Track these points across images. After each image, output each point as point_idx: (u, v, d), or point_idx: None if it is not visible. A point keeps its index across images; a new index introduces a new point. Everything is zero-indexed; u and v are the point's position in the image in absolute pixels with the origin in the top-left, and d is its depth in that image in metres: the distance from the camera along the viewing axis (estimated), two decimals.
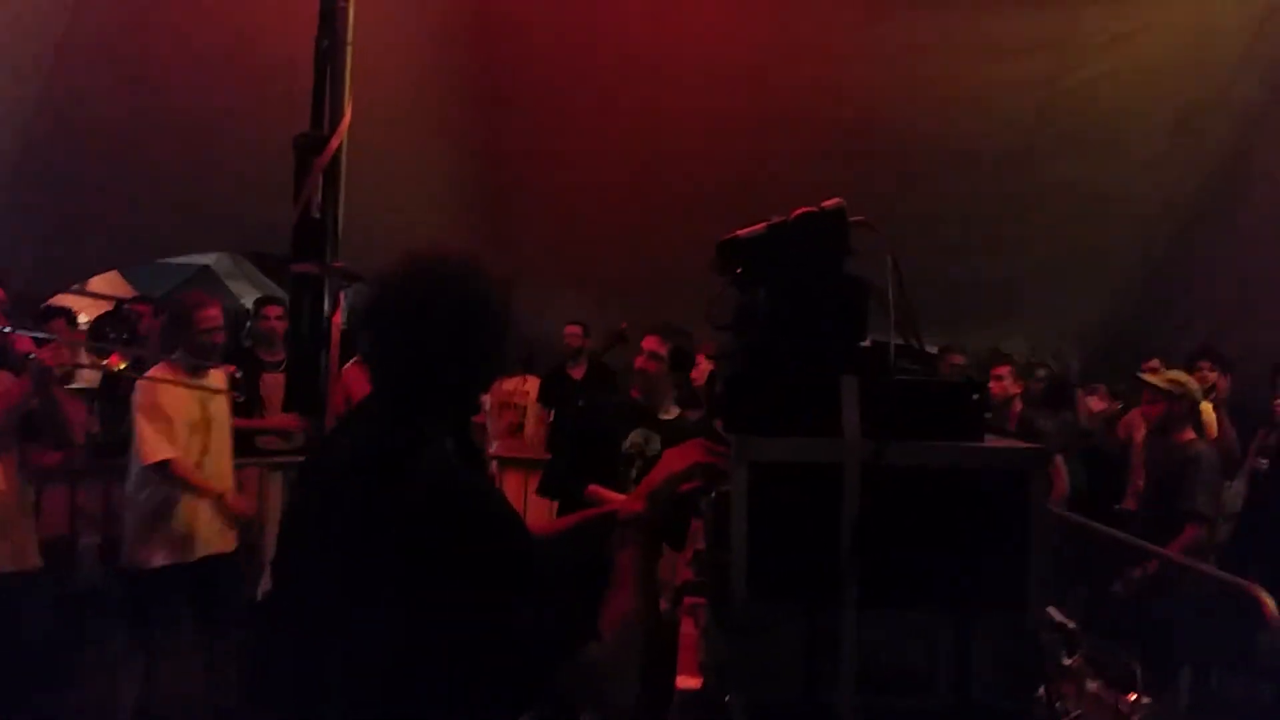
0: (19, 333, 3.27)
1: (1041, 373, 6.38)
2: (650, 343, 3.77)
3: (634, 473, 3.55)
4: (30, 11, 5.15)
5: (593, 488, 3.55)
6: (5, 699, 3.30)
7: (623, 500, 1.78)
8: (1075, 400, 6.48)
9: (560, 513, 3.51)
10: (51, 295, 7.22)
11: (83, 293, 8.39)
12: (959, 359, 5.91)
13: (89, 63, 5.43)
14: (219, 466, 4.02)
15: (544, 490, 4.16)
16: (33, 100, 5.55)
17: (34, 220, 6.27)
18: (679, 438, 3.62)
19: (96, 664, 4.79)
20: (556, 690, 1.36)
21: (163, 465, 3.81)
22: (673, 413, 3.86)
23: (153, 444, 3.81)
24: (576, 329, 6.72)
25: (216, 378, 4.02)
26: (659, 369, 3.75)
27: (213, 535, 3.96)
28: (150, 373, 3.94)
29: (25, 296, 5.91)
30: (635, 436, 3.68)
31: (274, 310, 5.40)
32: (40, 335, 3.37)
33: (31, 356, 3.19)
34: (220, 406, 4.01)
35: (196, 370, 3.91)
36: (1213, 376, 5.42)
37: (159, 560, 3.84)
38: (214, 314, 3.88)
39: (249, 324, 5.82)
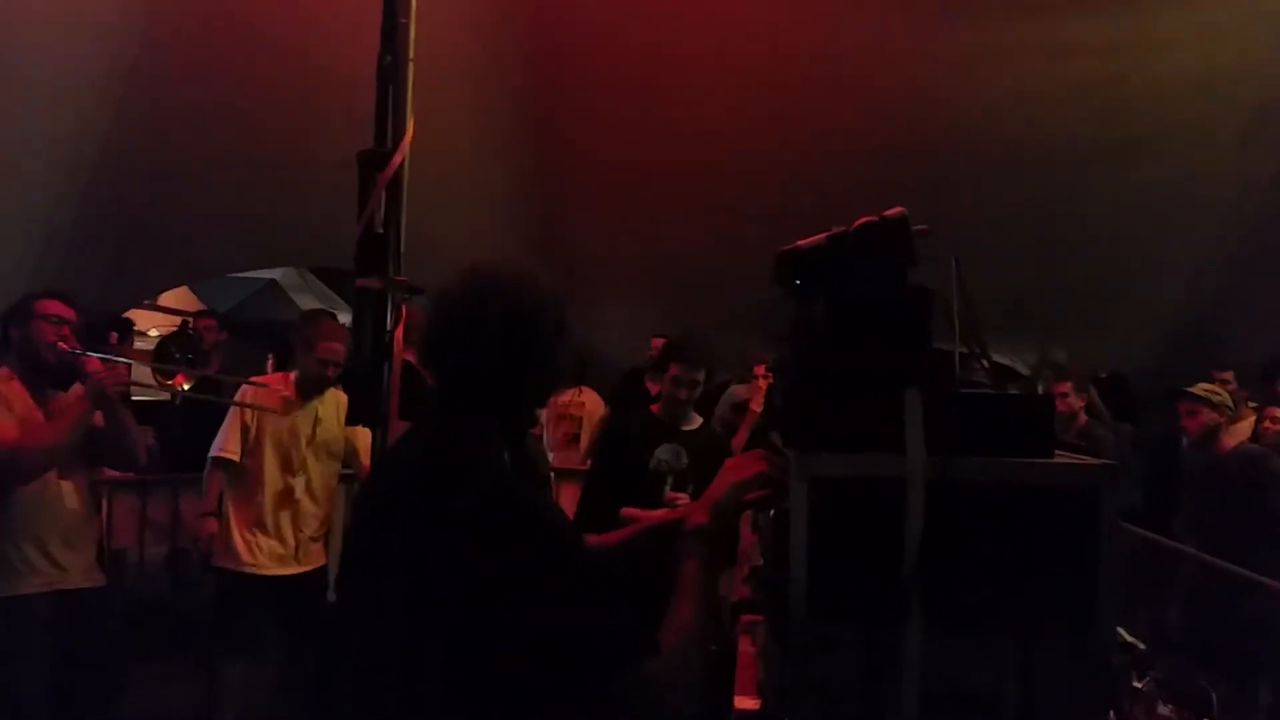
0: (89, 354, 3.33)
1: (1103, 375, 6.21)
2: (676, 370, 3.69)
3: (667, 488, 3.49)
4: (106, 33, 5.33)
5: (626, 511, 3.49)
6: (81, 713, 3.37)
7: (686, 510, 1.76)
8: (1136, 411, 6.31)
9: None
10: (123, 310, 7.46)
11: (153, 307, 8.64)
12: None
13: (159, 84, 5.60)
14: (320, 486, 4.07)
15: (579, 520, 4.10)
16: (107, 119, 5.74)
17: (107, 236, 6.48)
18: (705, 447, 3.62)
19: (162, 674, 4.92)
20: (616, 703, 1.34)
21: (220, 460, 3.92)
22: (695, 422, 3.78)
23: (223, 438, 3.95)
24: (660, 341, 6.72)
25: (330, 400, 4.06)
26: (689, 396, 3.71)
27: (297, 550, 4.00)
28: (263, 378, 4.08)
29: (97, 311, 6.11)
30: (662, 453, 3.61)
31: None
32: (110, 357, 3.45)
33: (89, 377, 3.25)
34: (327, 430, 4.05)
35: (306, 390, 3.99)
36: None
37: (247, 566, 3.93)
38: (337, 348, 3.94)
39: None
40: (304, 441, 3.99)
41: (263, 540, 3.94)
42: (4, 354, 3.37)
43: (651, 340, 6.72)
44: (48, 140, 5.65)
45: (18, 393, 3.27)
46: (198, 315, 7.43)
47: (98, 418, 3.32)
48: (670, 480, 3.53)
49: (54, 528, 3.26)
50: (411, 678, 1.41)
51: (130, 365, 4.00)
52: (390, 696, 1.45)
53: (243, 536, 3.93)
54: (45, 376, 3.34)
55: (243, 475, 3.98)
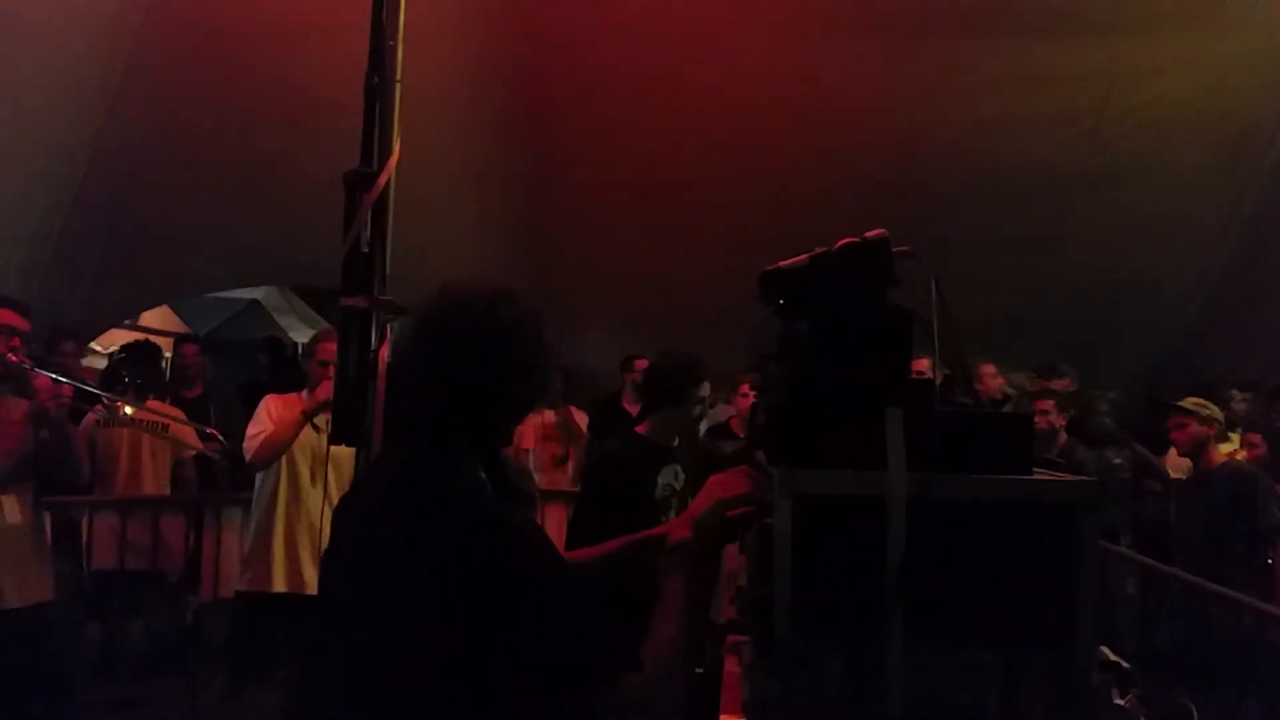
0: (38, 370, 3.28)
1: (1105, 406, 6.23)
2: (705, 388, 3.61)
3: (672, 513, 3.40)
4: (94, 51, 5.33)
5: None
6: None
7: (668, 526, 1.76)
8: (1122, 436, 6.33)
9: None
10: (104, 330, 7.42)
11: (134, 327, 8.59)
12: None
13: (146, 102, 5.61)
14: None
15: (570, 547, 4.03)
16: (93, 137, 5.74)
17: (91, 253, 6.46)
18: (698, 460, 3.57)
19: (141, 697, 4.88)
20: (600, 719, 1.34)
21: (254, 449, 3.91)
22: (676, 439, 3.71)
23: (249, 437, 3.94)
24: (645, 363, 6.71)
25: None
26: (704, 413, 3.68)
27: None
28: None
29: (81, 331, 6.08)
30: (664, 477, 3.52)
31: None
32: (58, 376, 3.40)
33: (34, 396, 3.20)
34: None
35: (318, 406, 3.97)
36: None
37: (259, 586, 3.92)
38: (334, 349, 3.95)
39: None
40: (320, 456, 3.95)
41: (286, 556, 3.93)
42: None
43: (634, 361, 6.72)
44: (33, 158, 5.64)
45: None
46: (179, 339, 7.40)
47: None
48: (675, 505, 3.46)
49: None
50: (392, 698, 1.41)
51: (74, 385, 3.92)
52: (370, 714, 1.44)
53: (264, 554, 3.92)
54: None
55: (266, 488, 3.98)
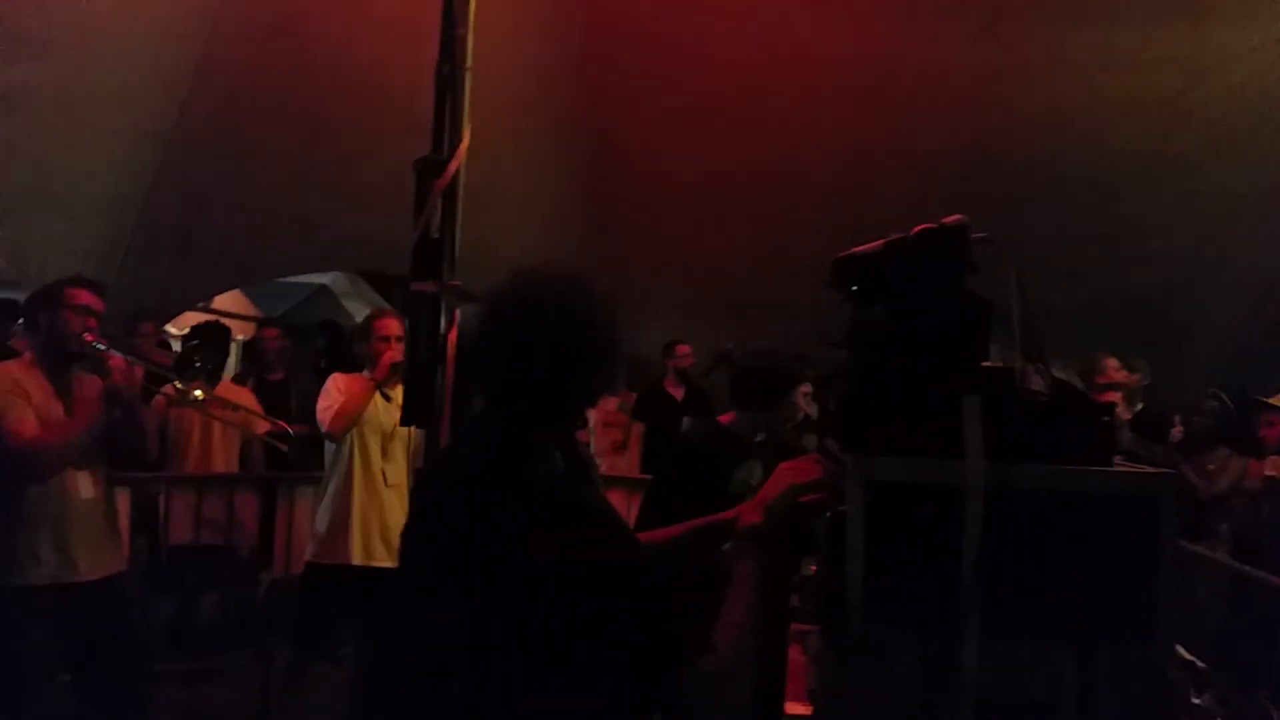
0: (112, 351, 3.35)
1: (1213, 404, 6.01)
2: (809, 387, 3.56)
3: None
4: (170, 41, 5.47)
5: None
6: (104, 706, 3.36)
7: (737, 511, 1.76)
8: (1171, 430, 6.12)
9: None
10: (179, 312, 7.64)
11: (208, 310, 8.82)
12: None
13: (220, 90, 5.74)
14: (398, 479, 4.14)
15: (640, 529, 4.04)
16: (169, 124, 5.90)
17: (167, 239, 6.64)
18: (777, 458, 3.53)
19: (213, 670, 5.03)
20: (670, 702, 1.35)
21: (328, 420, 4.01)
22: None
23: (321, 410, 4.05)
24: (688, 348, 6.74)
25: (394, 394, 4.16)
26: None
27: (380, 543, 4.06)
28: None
29: (156, 311, 6.27)
30: (741, 473, 3.47)
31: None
32: (132, 357, 3.49)
33: (109, 375, 3.26)
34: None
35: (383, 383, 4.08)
36: None
37: (330, 559, 4.01)
38: (391, 324, 4.08)
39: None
40: (389, 431, 4.08)
41: (359, 529, 4.01)
42: (30, 336, 3.38)
43: (674, 347, 6.73)
44: (112, 144, 5.81)
45: (37, 381, 3.26)
46: (261, 323, 7.59)
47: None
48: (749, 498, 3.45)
49: (66, 519, 3.23)
50: (468, 675, 1.43)
51: (147, 366, 4.01)
52: (446, 696, 1.46)
53: (336, 527, 4.02)
54: (67, 365, 3.33)
55: (339, 461, 4.08)
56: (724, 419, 3.66)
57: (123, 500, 4.66)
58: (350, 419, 3.99)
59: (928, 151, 5.68)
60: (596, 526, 1.42)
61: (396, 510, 4.07)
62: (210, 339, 5.73)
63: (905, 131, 5.68)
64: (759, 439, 3.57)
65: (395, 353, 4.01)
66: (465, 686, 1.43)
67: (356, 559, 3.99)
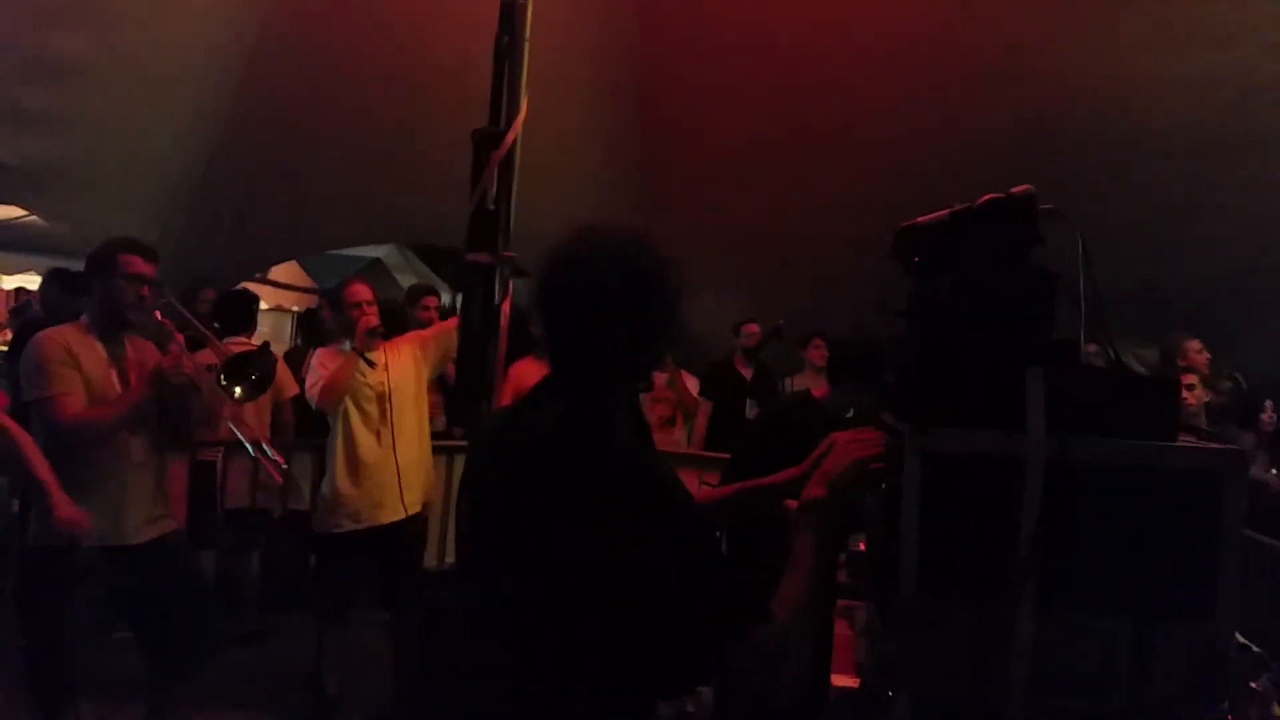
0: (163, 319, 3.36)
1: (1228, 384, 5.93)
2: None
3: None
4: (230, 15, 5.54)
5: (790, 504, 3.33)
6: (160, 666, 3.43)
7: (780, 476, 1.74)
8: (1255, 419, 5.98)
9: (748, 531, 3.28)
10: (236, 282, 7.78)
11: (265, 281, 8.97)
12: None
13: (279, 64, 5.81)
14: (403, 439, 4.17)
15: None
16: (229, 98, 5.98)
17: (224, 211, 6.76)
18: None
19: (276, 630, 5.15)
20: (729, 668, 1.35)
21: (317, 396, 4.08)
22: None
23: (309, 387, 4.13)
24: (756, 327, 6.71)
25: (406, 352, 4.22)
26: None
27: (394, 501, 4.12)
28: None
29: (216, 281, 6.39)
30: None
31: (432, 301, 5.52)
32: (197, 329, 3.54)
33: (160, 360, 3.27)
34: (400, 379, 4.17)
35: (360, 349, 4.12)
36: None
37: (342, 525, 4.08)
38: (361, 289, 4.13)
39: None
40: (384, 393, 4.11)
41: (361, 489, 4.08)
42: (86, 300, 3.39)
43: (743, 326, 6.70)
44: (173, 117, 5.91)
45: (90, 346, 3.27)
46: (321, 295, 7.69)
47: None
48: None
49: (117, 483, 3.26)
50: (528, 636, 1.44)
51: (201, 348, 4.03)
52: (505, 654, 1.47)
53: (341, 489, 4.09)
54: (121, 331, 3.35)
55: (334, 432, 4.14)
56: (817, 393, 3.71)
57: (179, 467, 4.76)
58: (337, 392, 4.05)
59: (979, 125, 5.57)
60: (667, 497, 1.40)
61: (408, 469, 4.13)
62: (236, 308, 5.73)
63: (965, 105, 5.57)
64: (849, 415, 3.58)
65: (370, 318, 4.07)
66: (527, 646, 1.44)
67: (364, 520, 4.07)
